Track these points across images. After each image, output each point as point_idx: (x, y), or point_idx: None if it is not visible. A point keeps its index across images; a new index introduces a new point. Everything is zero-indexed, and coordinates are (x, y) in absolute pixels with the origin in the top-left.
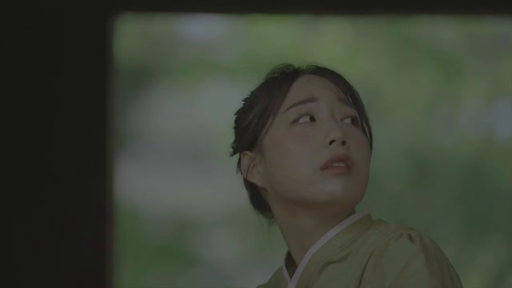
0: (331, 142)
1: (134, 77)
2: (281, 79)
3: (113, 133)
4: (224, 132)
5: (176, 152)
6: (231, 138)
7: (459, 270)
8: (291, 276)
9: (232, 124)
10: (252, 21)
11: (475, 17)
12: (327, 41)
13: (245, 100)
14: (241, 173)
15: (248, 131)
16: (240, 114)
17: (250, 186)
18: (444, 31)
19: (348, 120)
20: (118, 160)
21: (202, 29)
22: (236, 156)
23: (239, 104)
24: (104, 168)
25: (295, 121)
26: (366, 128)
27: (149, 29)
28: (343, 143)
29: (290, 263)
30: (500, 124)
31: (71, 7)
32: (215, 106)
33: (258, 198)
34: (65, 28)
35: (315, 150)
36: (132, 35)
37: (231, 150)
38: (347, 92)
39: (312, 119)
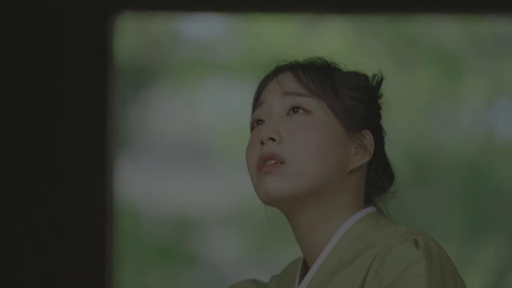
0: (262, 144)
1: (134, 76)
2: (260, 85)
3: (113, 133)
4: (224, 132)
5: (176, 151)
6: (231, 137)
7: (459, 270)
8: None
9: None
10: (251, 21)
11: (475, 16)
12: (326, 40)
13: None
14: None
15: None
16: None
17: None
18: (445, 30)
19: (299, 111)
20: (118, 160)
21: (202, 28)
22: (237, 157)
23: (238, 103)
24: (104, 168)
25: (252, 128)
26: (337, 108)
27: (149, 29)
28: (272, 139)
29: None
30: (501, 123)
31: (71, 6)
32: (215, 106)
33: None
34: (65, 28)
35: (254, 154)
36: (132, 35)
37: None
38: (308, 81)
39: (262, 122)
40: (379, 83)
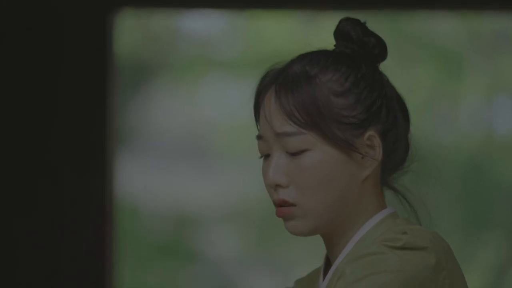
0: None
1: (134, 73)
2: (256, 96)
3: (113, 131)
4: (224, 129)
5: (176, 149)
6: (231, 134)
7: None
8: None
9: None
10: (251, 17)
11: (475, 13)
12: (326, 37)
13: None
14: None
15: None
16: None
17: None
18: (444, 27)
19: (293, 153)
20: (118, 158)
21: (202, 25)
22: (237, 154)
23: (238, 101)
24: (104, 166)
25: (261, 157)
26: (325, 135)
27: (149, 26)
28: (278, 186)
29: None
30: (500, 120)
31: (71, 3)
32: (215, 103)
33: None
34: (64, 25)
35: (268, 189)
36: (131, 32)
37: None
38: (293, 111)
39: (267, 155)
40: (377, 55)
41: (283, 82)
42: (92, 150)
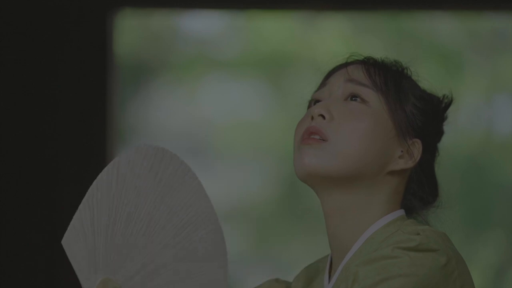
0: (312, 119)
1: (134, 73)
2: (329, 71)
3: (113, 130)
4: (224, 128)
5: (176, 147)
6: (231, 133)
7: None
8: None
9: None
10: (251, 17)
11: (474, 12)
12: (326, 37)
13: None
14: None
15: None
16: None
17: None
18: (444, 27)
19: (357, 99)
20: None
21: (202, 24)
22: (237, 153)
23: (238, 100)
24: (104, 165)
25: (309, 107)
26: (395, 111)
27: (149, 25)
28: (322, 116)
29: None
30: (500, 119)
31: (71, 3)
32: (215, 102)
33: None
34: (65, 25)
35: (302, 128)
36: (131, 31)
37: None
38: (375, 75)
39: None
40: (447, 105)
41: (376, 60)
42: (92, 150)
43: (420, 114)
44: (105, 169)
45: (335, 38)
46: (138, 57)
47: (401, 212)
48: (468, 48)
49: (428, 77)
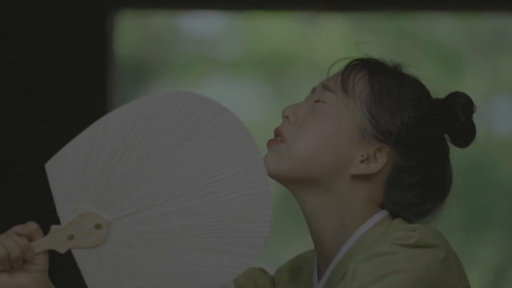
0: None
1: (134, 73)
2: None
3: None
4: None
5: None
6: None
7: None
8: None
9: None
10: (251, 18)
11: (474, 13)
12: (326, 37)
13: None
14: None
15: None
16: None
17: None
18: (444, 27)
19: (322, 103)
20: None
21: (202, 25)
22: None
23: (239, 100)
24: None
25: None
26: (369, 111)
27: (149, 26)
28: (287, 118)
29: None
30: (499, 119)
31: (71, 3)
32: None
33: None
34: (65, 25)
35: None
36: (132, 32)
37: None
38: (348, 79)
39: None
40: (452, 108)
41: (369, 61)
42: None
43: (398, 119)
44: (125, 105)
45: (335, 38)
46: (138, 58)
47: (385, 212)
48: (468, 48)
49: (428, 77)
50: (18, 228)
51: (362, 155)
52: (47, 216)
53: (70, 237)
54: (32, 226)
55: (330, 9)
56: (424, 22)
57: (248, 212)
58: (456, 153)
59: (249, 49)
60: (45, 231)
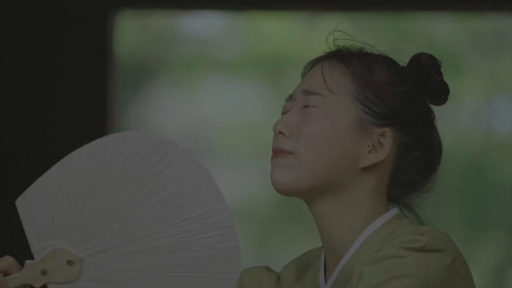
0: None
1: (134, 73)
2: (303, 74)
3: (113, 131)
4: (224, 128)
5: None
6: (231, 134)
7: None
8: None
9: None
10: (251, 18)
11: (474, 13)
12: (326, 37)
13: None
14: None
15: None
16: None
17: None
18: (443, 27)
19: (312, 108)
20: None
21: (202, 25)
22: (237, 153)
23: (238, 100)
24: None
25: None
26: (363, 97)
27: (149, 26)
28: (281, 133)
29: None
30: (500, 119)
31: (71, 3)
32: (215, 102)
33: None
34: (65, 25)
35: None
36: (132, 32)
37: None
38: (330, 76)
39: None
40: (427, 69)
41: (338, 54)
42: None
43: (389, 100)
44: (87, 145)
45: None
46: (138, 58)
47: (394, 211)
48: (468, 49)
49: None
50: None
51: (368, 146)
52: None
53: (44, 273)
54: (7, 261)
55: (330, 9)
56: (424, 22)
57: (216, 254)
58: (456, 154)
59: (249, 49)
60: None
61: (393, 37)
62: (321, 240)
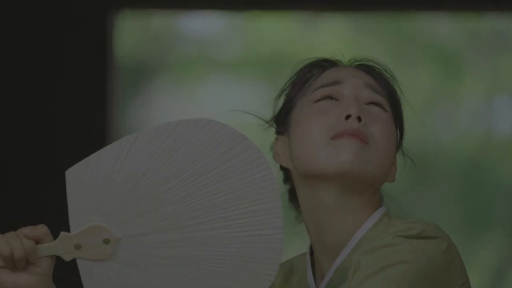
0: (347, 117)
1: (134, 73)
2: (315, 65)
3: (113, 131)
4: None
5: None
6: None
7: None
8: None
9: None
10: (251, 18)
11: (474, 13)
12: (326, 38)
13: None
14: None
15: (281, 114)
16: (276, 100)
17: (285, 175)
18: (444, 28)
19: (377, 105)
20: None
21: (202, 25)
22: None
23: (239, 100)
24: None
25: (318, 101)
26: (397, 121)
27: (149, 26)
28: (359, 119)
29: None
30: (500, 120)
31: (71, 3)
32: (215, 102)
33: (292, 189)
34: (65, 25)
35: (331, 123)
36: (132, 32)
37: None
38: (380, 83)
39: (336, 99)
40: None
41: (372, 66)
42: (92, 150)
43: (396, 99)
44: (155, 126)
45: (335, 38)
46: (138, 58)
47: (384, 209)
48: (468, 49)
49: (428, 78)
50: (27, 229)
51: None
52: (46, 216)
53: (77, 247)
54: (42, 230)
55: (330, 9)
56: (424, 23)
57: (257, 252)
58: (456, 154)
59: (249, 49)
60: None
61: (393, 37)
62: (315, 241)
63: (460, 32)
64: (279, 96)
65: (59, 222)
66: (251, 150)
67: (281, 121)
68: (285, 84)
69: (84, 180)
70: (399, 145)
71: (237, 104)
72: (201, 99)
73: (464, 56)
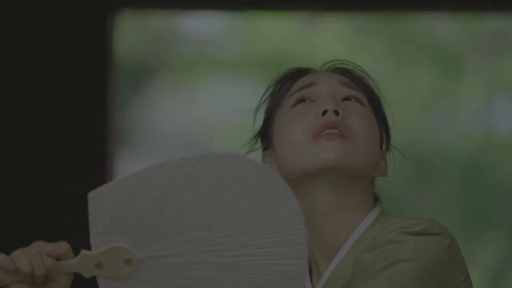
0: (324, 113)
1: (134, 73)
2: (288, 76)
3: (113, 131)
4: (224, 128)
5: (176, 148)
6: (231, 134)
7: None
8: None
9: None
10: (251, 18)
11: (474, 14)
12: (326, 38)
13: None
14: None
15: (262, 130)
16: (255, 111)
17: None
18: (444, 28)
19: (353, 100)
20: (118, 158)
21: (202, 25)
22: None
23: (238, 100)
24: (104, 166)
25: (294, 105)
26: (380, 120)
27: (149, 26)
28: (336, 112)
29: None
30: (500, 120)
31: (71, 4)
32: (215, 102)
33: None
34: (65, 25)
35: (310, 122)
36: (132, 32)
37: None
38: (355, 81)
39: (311, 100)
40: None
41: (343, 68)
42: (92, 150)
43: (377, 99)
44: (183, 155)
45: (335, 38)
46: (138, 58)
47: (379, 209)
48: (468, 49)
49: (428, 78)
50: (49, 247)
51: (380, 144)
52: (46, 217)
53: (98, 266)
54: (63, 247)
55: (330, 9)
56: (424, 23)
57: (281, 281)
58: (456, 154)
59: (249, 49)
60: (42, 229)
61: (394, 37)
62: (315, 236)
63: (460, 32)
64: (258, 107)
65: (58, 222)
66: (279, 185)
67: (264, 136)
68: (263, 97)
69: (108, 200)
70: (388, 144)
71: (237, 104)
72: (201, 99)
73: (464, 56)
